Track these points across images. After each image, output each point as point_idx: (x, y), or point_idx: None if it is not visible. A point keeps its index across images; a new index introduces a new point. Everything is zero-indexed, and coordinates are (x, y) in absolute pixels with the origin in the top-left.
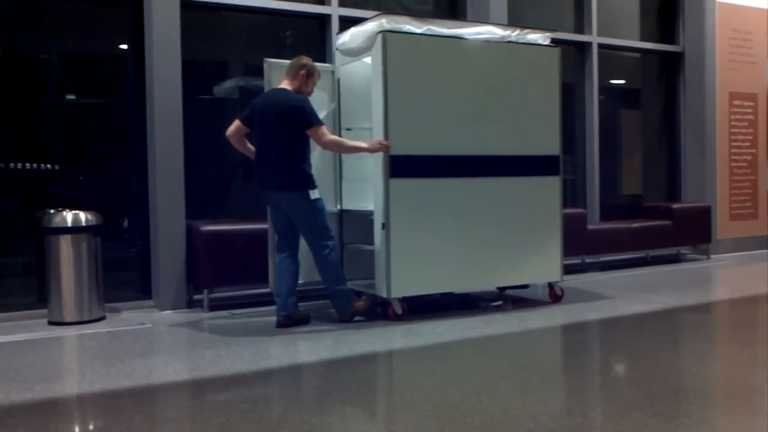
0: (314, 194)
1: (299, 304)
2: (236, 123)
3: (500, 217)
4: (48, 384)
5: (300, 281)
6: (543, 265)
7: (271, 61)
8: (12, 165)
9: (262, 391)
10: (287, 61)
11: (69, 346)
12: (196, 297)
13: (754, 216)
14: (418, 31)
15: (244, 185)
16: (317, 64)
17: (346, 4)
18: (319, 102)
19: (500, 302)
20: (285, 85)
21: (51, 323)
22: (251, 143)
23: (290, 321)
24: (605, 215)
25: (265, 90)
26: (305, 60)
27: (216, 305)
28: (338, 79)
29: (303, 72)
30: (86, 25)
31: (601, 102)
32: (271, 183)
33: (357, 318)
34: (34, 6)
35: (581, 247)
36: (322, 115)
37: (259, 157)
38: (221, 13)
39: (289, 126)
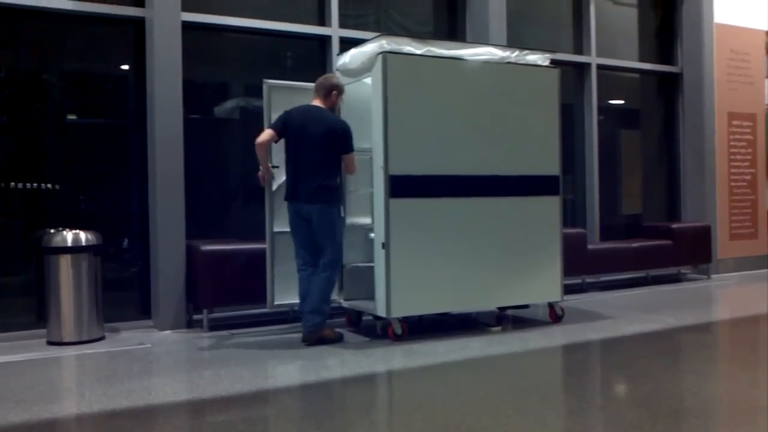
0: (342, 211)
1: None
2: (270, 132)
3: (500, 237)
4: (46, 404)
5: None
6: (543, 285)
7: (269, 83)
8: (12, 184)
9: (262, 411)
10: (286, 82)
11: (68, 366)
12: (196, 317)
13: (755, 236)
14: (418, 52)
15: (244, 205)
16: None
17: (346, 25)
18: None
19: (499, 327)
20: (317, 102)
21: (50, 343)
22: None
23: (316, 337)
24: (605, 235)
25: (264, 107)
26: (336, 80)
27: (215, 325)
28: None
29: (335, 92)
30: (88, 45)
31: (600, 122)
32: (306, 196)
33: (320, 345)
34: (36, 27)
35: (581, 266)
36: None
37: (293, 171)
38: (222, 35)
39: (332, 146)
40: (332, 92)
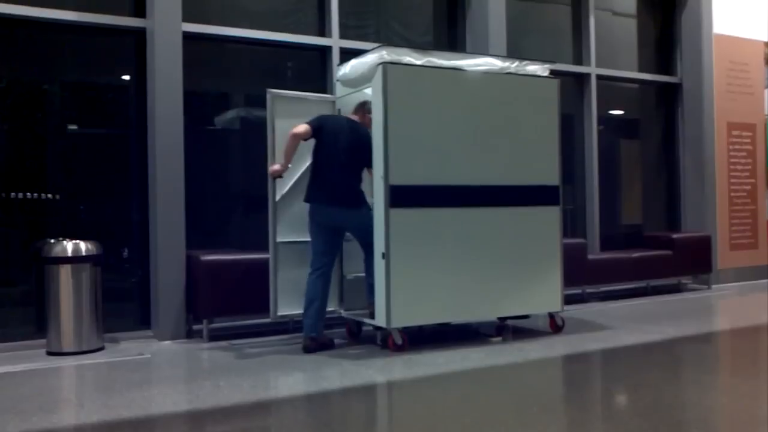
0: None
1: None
2: (306, 128)
3: (500, 247)
4: (45, 415)
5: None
6: (543, 295)
7: (273, 92)
8: (13, 194)
9: (261, 422)
10: (289, 92)
11: (67, 376)
12: (196, 327)
13: (755, 246)
14: (418, 62)
15: (244, 215)
16: (319, 95)
17: (346, 36)
18: None
19: (499, 338)
20: (355, 118)
21: (49, 353)
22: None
23: (317, 344)
24: (605, 245)
25: (267, 116)
26: (370, 105)
27: (215, 335)
28: (339, 110)
29: (369, 115)
30: (89, 56)
31: (600, 132)
32: (342, 201)
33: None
34: (38, 37)
35: (582, 277)
36: None
37: (325, 176)
38: (223, 45)
39: (364, 158)
40: (366, 115)
